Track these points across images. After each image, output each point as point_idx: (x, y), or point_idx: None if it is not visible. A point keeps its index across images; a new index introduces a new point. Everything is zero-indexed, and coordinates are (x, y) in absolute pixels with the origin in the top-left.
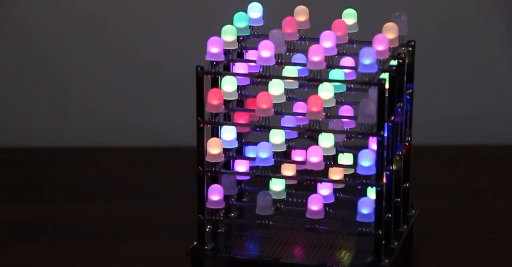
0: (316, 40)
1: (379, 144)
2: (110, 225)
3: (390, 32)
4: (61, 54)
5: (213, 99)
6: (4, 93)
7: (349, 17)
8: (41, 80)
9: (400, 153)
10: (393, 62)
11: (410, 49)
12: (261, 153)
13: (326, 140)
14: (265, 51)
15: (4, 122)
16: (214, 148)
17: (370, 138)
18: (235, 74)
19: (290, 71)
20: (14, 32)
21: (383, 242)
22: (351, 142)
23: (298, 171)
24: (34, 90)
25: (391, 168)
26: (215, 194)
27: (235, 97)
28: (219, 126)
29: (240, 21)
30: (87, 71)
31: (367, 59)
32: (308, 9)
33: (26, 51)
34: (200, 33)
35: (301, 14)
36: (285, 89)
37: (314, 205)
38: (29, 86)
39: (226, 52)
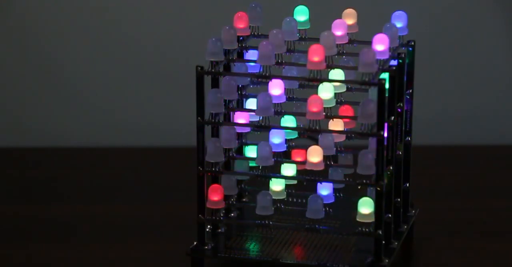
0: (316, 40)
1: (379, 143)
2: (110, 225)
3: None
4: (60, 56)
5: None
6: (5, 94)
7: (349, 17)
8: (42, 80)
9: (400, 153)
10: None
11: (410, 49)
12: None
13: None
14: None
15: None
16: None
17: (370, 138)
18: (235, 74)
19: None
20: (15, 31)
21: (383, 242)
22: (351, 142)
23: (298, 171)
24: (34, 91)
25: (391, 168)
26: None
27: (235, 97)
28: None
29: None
30: (86, 72)
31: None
32: (309, 9)
33: (26, 53)
34: (200, 33)
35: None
36: (285, 89)
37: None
38: (30, 87)
39: (226, 52)
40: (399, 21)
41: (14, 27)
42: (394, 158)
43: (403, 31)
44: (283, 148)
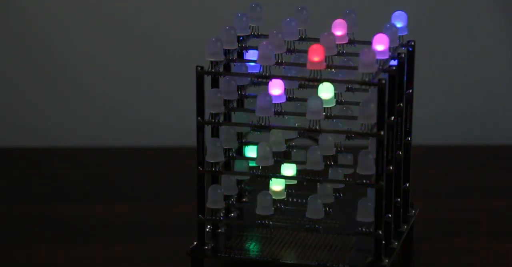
0: (316, 40)
1: (379, 143)
2: (110, 225)
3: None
4: (61, 57)
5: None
6: (5, 94)
7: (349, 17)
8: (42, 81)
9: (400, 153)
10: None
11: (410, 49)
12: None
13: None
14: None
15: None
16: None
17: (370, 138)
18: (235, 74)
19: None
20: (16, 31)
21: (383, 242)
22: (351, 142)
23: (298, 171)
24: (34, 91)
25: (391, 168)
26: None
27: (235, 97)
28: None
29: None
30: (87, 72)
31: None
32: (308, 9)
33: (26, 53)
34: (200, 33)
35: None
36: (285, 89)
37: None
38: (30, 87)
39: (226, 52)
40: (399, 21)
41: (15, 27)
42: (394, 158)
43: (403, 31)
44: (283, 148)
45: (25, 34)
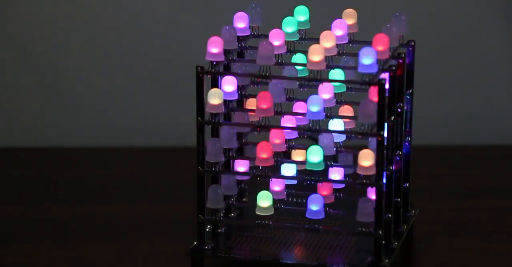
0: (316, 40)
1: (379, 144)
2: (110, 225)
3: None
4: (60, 57)
5: (214, 100)
6: (5, 94)
7: (349, 17)
8: (42, 81)
9: (400, 153)
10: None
11: (410, 49)
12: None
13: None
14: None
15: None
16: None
17: (370, 138)
18: (235, 74)
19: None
20: (15, 32)
21: (383, 242)
22: (351, 142)
23: (298, 171)
24: (34, 91)
25: (391, 168)
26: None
27: (235, 97)
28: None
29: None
30: (86, 72)
31: (367, 59)
32: (309, 9)
33: (26, 53)
34: (200, 33)
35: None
36: (285, 89)
37: (314, 204)
38: (30, 87)
39: (226, 52)
40: (398, 21)
41: (14, 28)
42: (394, 158)
43: (403, 31)
44: (283, 148)
45: (24, 34)
